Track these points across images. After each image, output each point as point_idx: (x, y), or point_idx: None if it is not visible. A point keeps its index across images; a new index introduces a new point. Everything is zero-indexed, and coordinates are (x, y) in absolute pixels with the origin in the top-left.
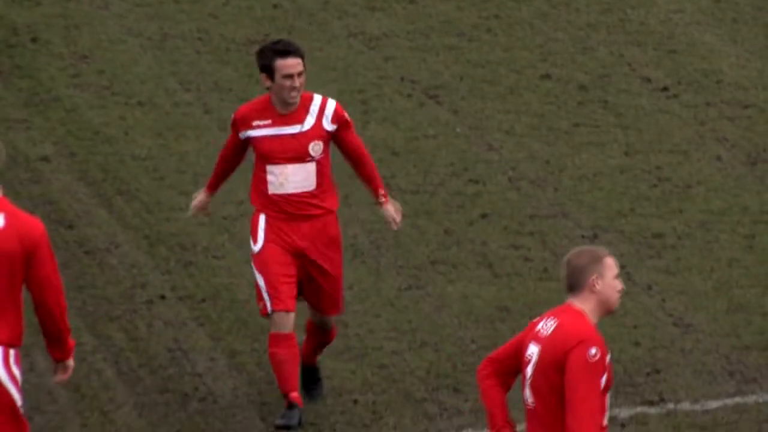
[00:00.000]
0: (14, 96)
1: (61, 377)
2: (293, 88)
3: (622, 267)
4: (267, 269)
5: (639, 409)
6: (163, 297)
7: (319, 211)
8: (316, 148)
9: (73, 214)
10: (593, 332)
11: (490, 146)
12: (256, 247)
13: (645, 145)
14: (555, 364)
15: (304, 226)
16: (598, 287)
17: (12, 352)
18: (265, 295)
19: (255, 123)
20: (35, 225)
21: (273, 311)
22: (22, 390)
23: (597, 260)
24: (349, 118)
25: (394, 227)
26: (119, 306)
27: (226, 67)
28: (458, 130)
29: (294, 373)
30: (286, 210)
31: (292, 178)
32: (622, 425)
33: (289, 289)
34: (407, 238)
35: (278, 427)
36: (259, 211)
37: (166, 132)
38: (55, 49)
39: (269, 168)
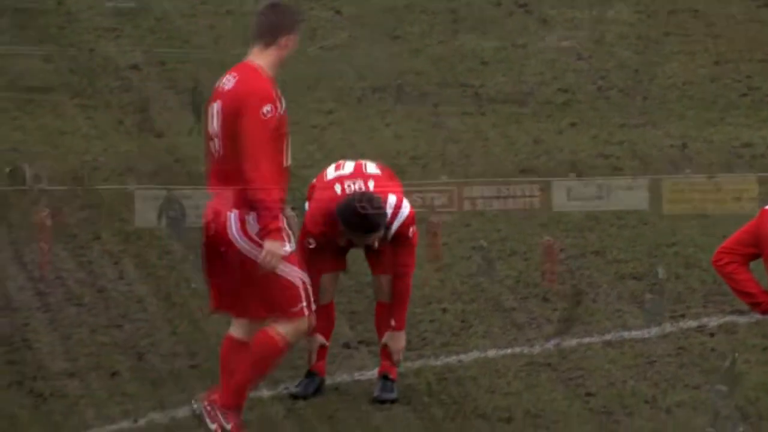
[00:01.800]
0: (104, 5)
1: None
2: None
3: (711, 177)
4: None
5: (728, 318)
6: None
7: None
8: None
9: (162, 122)
10: None
11: (579, 55)
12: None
13: (735, 54)
14: None
15: None
16: None
17: (249, 217)
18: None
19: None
20: (252, 86)
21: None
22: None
23: None
24: (412, 237)
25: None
26: None
27: None
28: (547, 39)
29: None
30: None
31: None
32: (711, 334)
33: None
34: (497, 147)
35: (292, 395)
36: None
37: None
38: None
39: None
